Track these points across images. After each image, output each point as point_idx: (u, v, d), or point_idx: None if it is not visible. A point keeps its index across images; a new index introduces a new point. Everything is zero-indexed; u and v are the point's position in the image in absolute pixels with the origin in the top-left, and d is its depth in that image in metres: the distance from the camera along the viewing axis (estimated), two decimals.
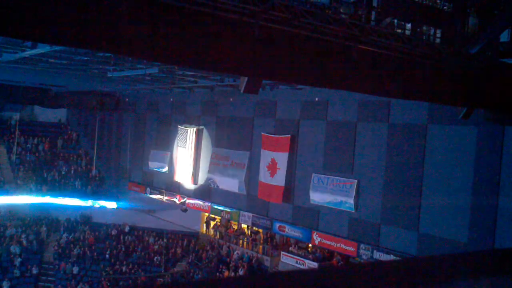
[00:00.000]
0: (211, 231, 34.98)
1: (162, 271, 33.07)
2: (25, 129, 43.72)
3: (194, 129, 31.57)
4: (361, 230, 21.92)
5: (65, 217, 38.44)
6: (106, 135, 41.65)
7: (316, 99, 24.11)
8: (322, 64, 10.61)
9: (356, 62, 10.61)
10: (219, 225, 34.25)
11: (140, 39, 8.31)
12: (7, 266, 33.69)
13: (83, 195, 39.34)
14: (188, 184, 32.10)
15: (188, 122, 32.35)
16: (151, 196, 35.55)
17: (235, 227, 33.56)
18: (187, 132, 31.88)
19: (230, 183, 28.56)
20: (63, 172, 41.99)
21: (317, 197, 23.54)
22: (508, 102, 14.05)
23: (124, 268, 33.56)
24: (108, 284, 32.39)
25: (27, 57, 21.86)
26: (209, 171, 30.17)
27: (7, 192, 37.20)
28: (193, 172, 31.42)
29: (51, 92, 39.49)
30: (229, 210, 29.07)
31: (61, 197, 38.18)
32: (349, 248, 22.43)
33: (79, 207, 38.54)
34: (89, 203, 38.61)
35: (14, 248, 34.64)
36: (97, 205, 38.69)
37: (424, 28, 12.67)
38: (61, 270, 33.96)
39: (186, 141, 31.92)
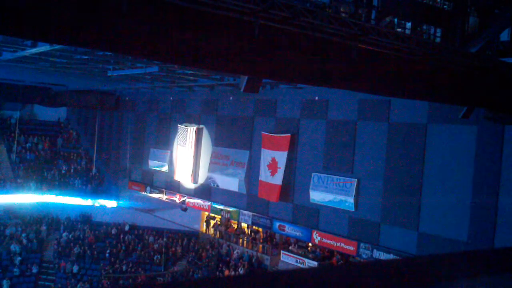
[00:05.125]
0: (211, 230, 34.98)
1: (162, 270, 33.07)
2: (25, 128, 43.72)
3: (194, 128, 31.57)
4: (361, 229, 21.93)
5: (65, 216, 38.46)
6: (106, 134, 41.66)
7: (316, 98, 24.11)
8: (322, 63, 10.61)
9: (356, 61, 10.61)
10: (219, 224, 34.26)
11: (140, 38, 8.31)
12: (7, 265, 33.68)
13: (83, 194, 39.34)
14: (188, 183, 32.10)
15: (188, 121, 32.34)
16: (151, 195, 35.55)
17: (235, 226, 33.58)
18: (187, 131, 31.87)
19: (230, 182, 28.56)
20: (63, 171, 41.99)
21: (317, 196, 23.54)
22: (508, 101, 14.05)
23: (124, 267, 33.57)
24: (108, 283, 32.39)
25: (27, 56, 21.85)
26: (209, 170, 30.17)
27: (7, 191, 37.19)
28: (193, 171, 31.41)
29: (51, 91, 39.48)
30: (229, 209, 29.08)
31: (61, 196, 38.18)
32: (349, 247, 22.44)
33: (79, 206, 38.54)
34: (89, 202, 38.59)
35: (14, 247, 34.64)
36: (97, 204, 38.68)
37: (424, 27, 12.67)
38: (61, 269, 33.95)
39: (186, 140, 31.91)
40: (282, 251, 28.75)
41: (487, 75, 13.02)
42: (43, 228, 37.23)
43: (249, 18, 8.80)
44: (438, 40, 12.80)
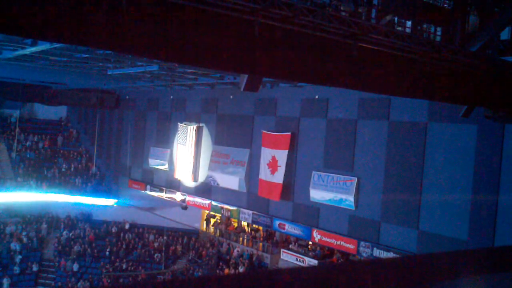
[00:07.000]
0: (211, 229, 35.00)
1: (162, 268, 33.11)
2: (25, 127, 43.73)
3: (194, 126, 31.57)
4: (361, 227, 21.95)
5: (66, 214, 38.49)
6: (106, 132, 41.67)
7: (316, 96, 24.11)
8: (322, 62, 10.61)
9: (357, 60, 10.61)
10: (219, 223, 34.28)
11: (140, 37, 8.30)
12: (7, 263, 33.72)
13: (84, 192, 39.36)
14: (188, 182, 32.12)
15: (188, 119, 32.35)
16: (151, 193, 35.58)
17: (235, 224, 33.60)
18: (187, 129, 31.88)
19: (230, 181, 28.58)
20: (63, 170, 42.02)
21: (317, 195, 23.56)
22: (508, 100, 14.05)
23: (124, 266, 33.60)
24: (108, 281, 32.42)
25: (27, 55, 21.84)
26: (209, 169, 30.19)
27: (7, 189, 37.19)
28: (193, 169, 31.43)
29: (51, 89, 39.46)
30: (229, 207, 29.10)
31: (61, 194, 38.18)
32: (349, 245, 22.46)
33: (80, 205, 38.53)
34: (89, 200, 38.60)
35: (15, 245, 34.68)
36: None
37: (425, 26, 12.67)
38: (61, 267, 33.99)
39: (186, 139, 31.92)
40: (282, 250, 28.77)
41: (487, 74, 13.01)
42: (44, 226, 37.27)
43: (249, 17, 8.80)
44: (438, 38, 12.79)
